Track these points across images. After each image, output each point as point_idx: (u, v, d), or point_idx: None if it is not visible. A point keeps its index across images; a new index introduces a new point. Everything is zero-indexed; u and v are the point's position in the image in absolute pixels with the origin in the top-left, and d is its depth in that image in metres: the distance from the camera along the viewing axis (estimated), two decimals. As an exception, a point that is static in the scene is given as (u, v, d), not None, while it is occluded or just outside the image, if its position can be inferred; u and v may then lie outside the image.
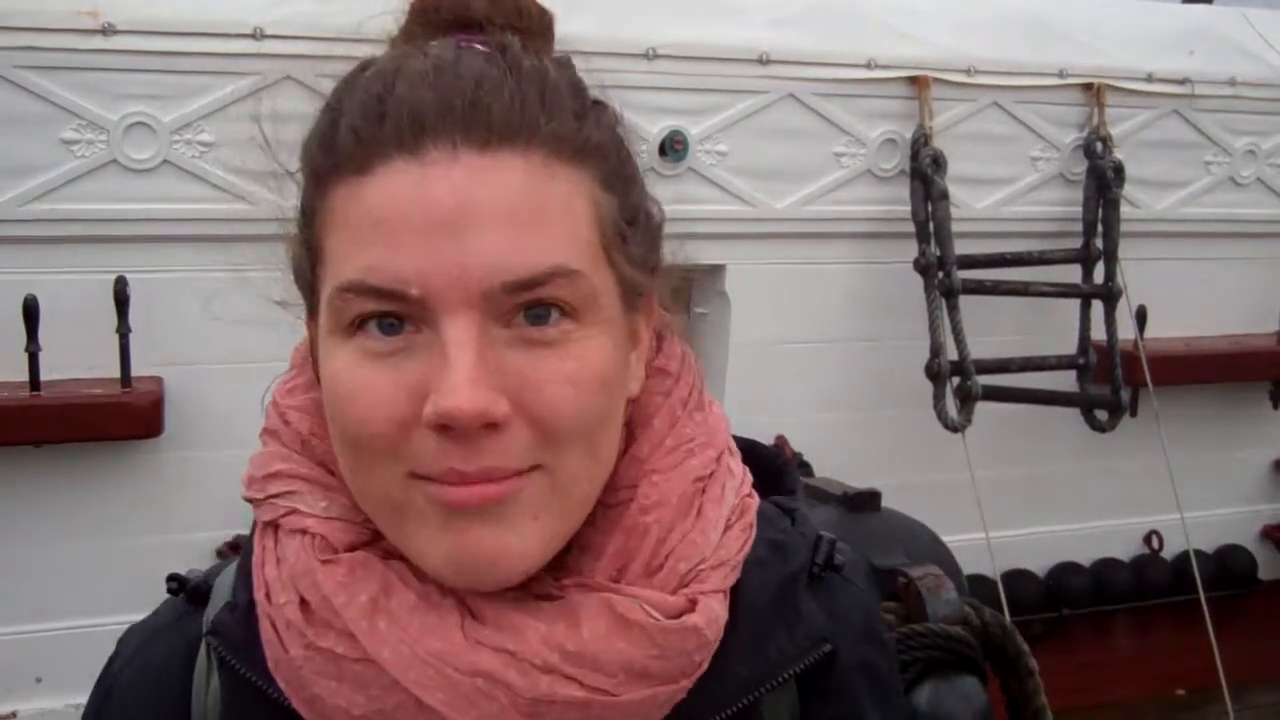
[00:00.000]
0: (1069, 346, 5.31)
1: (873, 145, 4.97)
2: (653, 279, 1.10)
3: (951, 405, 4.92)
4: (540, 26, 1.09)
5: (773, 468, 1.23)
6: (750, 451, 1.20)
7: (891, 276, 5.00)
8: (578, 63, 1.13)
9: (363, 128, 0.99)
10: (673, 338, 1.16)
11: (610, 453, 1.05)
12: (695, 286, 5.01)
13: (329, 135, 1.03)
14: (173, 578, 1.22)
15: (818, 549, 1.18)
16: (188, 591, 1.20)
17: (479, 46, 1.03)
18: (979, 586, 4.59)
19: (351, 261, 0.98)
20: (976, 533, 4.78)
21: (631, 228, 1.06)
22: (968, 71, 5.03)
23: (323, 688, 1.00)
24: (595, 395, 0.99)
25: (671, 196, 4.34)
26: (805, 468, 4.67)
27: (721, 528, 1.07)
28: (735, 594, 1.08)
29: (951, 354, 4.89)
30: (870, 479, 3.18)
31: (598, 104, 1.07)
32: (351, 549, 1.04)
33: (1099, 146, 5.23)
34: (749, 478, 1.14)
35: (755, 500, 1.13)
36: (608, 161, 1.04)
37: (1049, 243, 5.29)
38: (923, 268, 4.91)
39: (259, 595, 1.07)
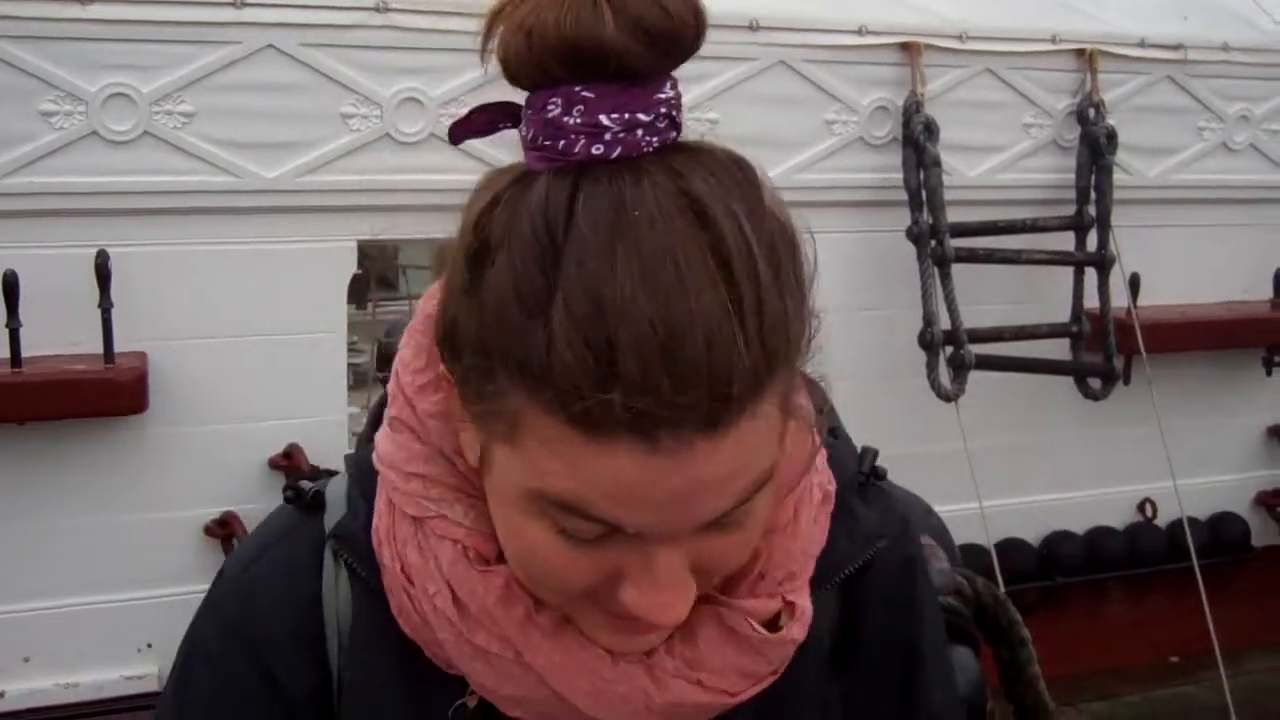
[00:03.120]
0: (1062, 315, 5.29)
1: (864, 113, 4.92)
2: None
3: (944, 374, 4.89)
4: (693, 45, 0.96)
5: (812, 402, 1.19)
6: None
7: (883, 245, 4.96)
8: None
9: (585, 389, 0.88)
10: None
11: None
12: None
13: (529, 346, 0.90)
14: (289, 486, 1.24)
15: (863, 460, 1.25)
16: (305, 500, 1.22)
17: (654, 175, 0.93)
18: (973, 556, 4.58)
19: (565, 486, 0.93)
20: (970, 502, 4.75)
21: (795, 393, 1.02)
22: (960, 38, 4.98)
23: (469, 667, 1.08)
24: (751, 545, 1.05)
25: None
26: (798, 439, 4.64)
27: (810, 526, 1.13)
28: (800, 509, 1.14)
29: (944, 323, 4.87)
30: (863, 449, 3.14)
31: (783, 233, 0.99)
32: (498, 559, 1.06)
33: (1092, 113, 5.19)
34: (823, 454, 1.16)
35: (834, 484, 1.17)
36: (804, 339, 0.98)
37: (1042, 210, 5.26)
38: (915, 236, 4.87)
39: (393, 566, 1.09)
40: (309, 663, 1.17)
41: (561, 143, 0.95)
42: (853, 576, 1.21)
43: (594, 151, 0.94)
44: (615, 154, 0.94)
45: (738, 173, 0.98)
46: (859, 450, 1.26)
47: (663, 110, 0.96)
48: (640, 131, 0.95)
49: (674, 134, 0.97)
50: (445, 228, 4.15)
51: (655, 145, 0.95)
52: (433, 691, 1.13)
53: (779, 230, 0.98)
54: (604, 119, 0.94)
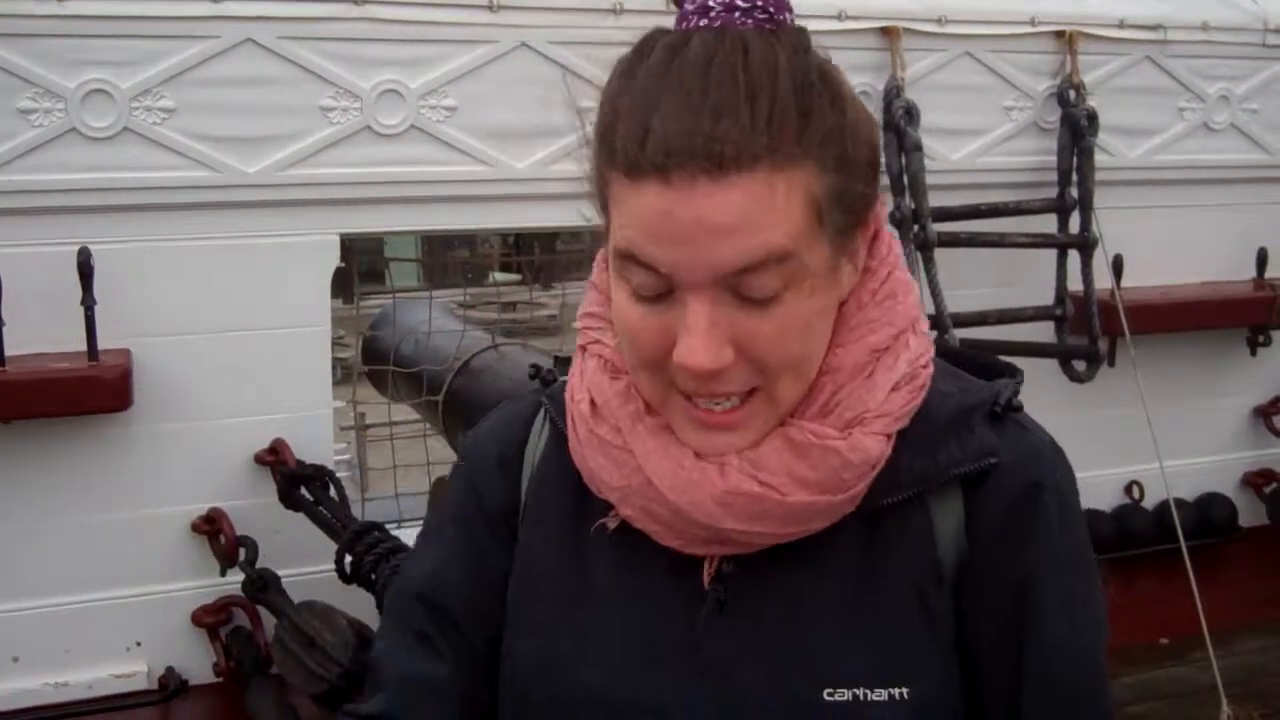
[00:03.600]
0: (1046, 298, 5.30)
1: (845, 98, 4.91)
2: (869, 202, 1.34)
3: (929, 358, 4.89)
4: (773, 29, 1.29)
5: (999, 369, 1.50)
6: (972, 361, 1.51)
7: (866, 230, 4.96)
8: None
9: (631, 149, 1.23)
10: (883, 233, 1.41)
11: (814, 367, 1.33)
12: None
13: (609, 135, 1.27)
14: (534, 365, 1.61)
15: (1000, 395, 1.41)
16: (542, 376, 1.58)
17: (725, 30, 1.26)
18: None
19: (625, 234, 1.26)
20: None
21: (848, 184, 1.29)
22: (939, 21, 4.98)
23: (594, 462, 1.39)
24: (796, 342, 1.29)
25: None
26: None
27: (888, 388, 1.34)
28: (918, 413, 1.36)
29: (928, 307, 4.87)
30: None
31: (824, 78, 1.29)
32: (626, 373, 1.39)
33: (1072, 95, 5.20)
34: (929, 353, 1.39)
35: (929, 369, 1.38)
36: (827, 148, 1.26)
37: (1024, 193, 5.26)
38: (897, 221, 4.87)
39: (568, 395, 1.46)
40: (506, 489, 1.53)
41: (684, 21, 1.29)
42: (969, 491, 1.37)
43: (699, 24, 1.27)
44: (715, 26, 1.27)
45: (794, 34, 1.30)
46: (1002, 388, 1.42)
47: (759, 2, 1.28)
48: (737, 14, 1.27)
49: (767, 21, 1.28)
50: (427, 219, 4.17)
51: (749, 25, 1.27)
52: (589, 518, 1.44)
53: (817, 65, 1.29)
54: (711, 2, 1.28)
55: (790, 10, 1.32)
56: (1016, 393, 1.42)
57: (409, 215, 4.48)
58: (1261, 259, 5.74)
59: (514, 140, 4.44)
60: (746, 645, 1.36)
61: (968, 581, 1.36)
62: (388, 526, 3.91)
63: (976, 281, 5.13)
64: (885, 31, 4.91)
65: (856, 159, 1.29)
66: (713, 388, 1.28)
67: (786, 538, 1.33)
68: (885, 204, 1.45)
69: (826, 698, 1.32)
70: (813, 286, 1.27)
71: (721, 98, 1.21)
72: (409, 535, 3.86)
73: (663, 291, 1.26)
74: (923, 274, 4.85)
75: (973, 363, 1.51)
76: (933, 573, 1.36)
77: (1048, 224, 5.25)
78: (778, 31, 1.28)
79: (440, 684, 1.49)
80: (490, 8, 4.31)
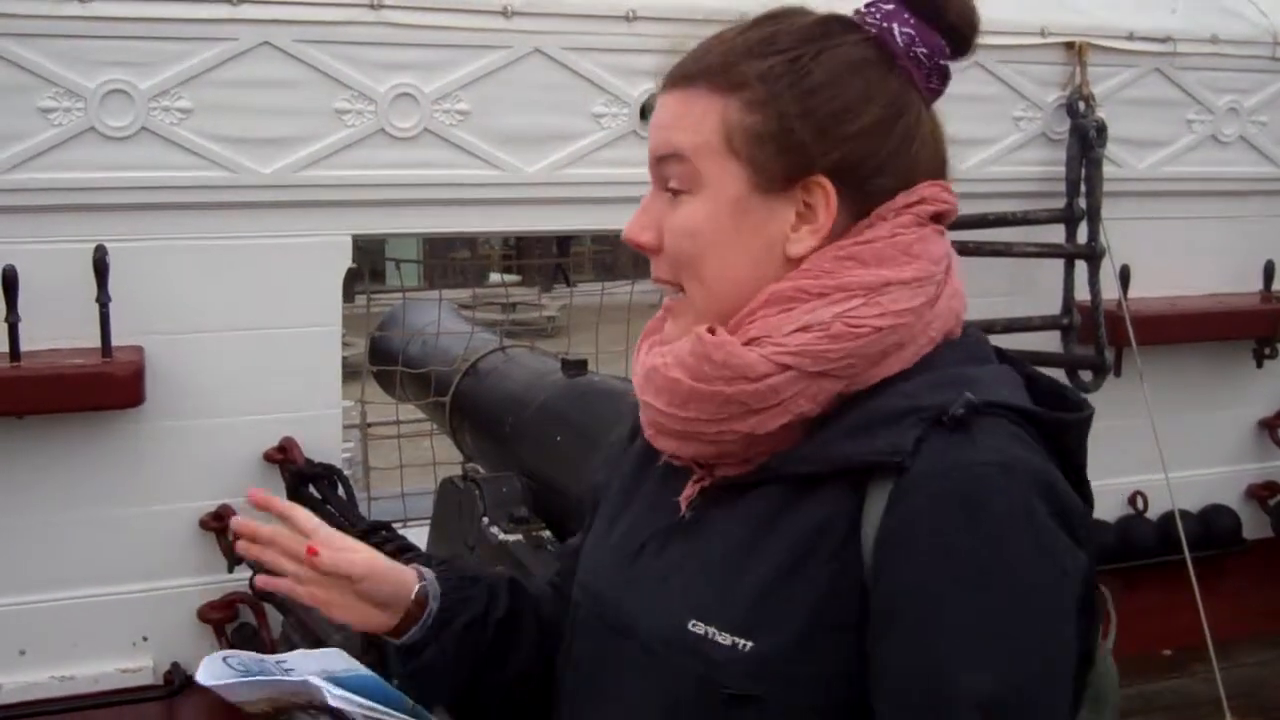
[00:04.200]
0: (1053, 307, 5.32)
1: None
2: (805, 164, 1.46)
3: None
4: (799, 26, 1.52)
5: (1051, 389, 1.54)
6: (1032, 379, 1.52)
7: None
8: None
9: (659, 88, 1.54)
10: (884, 223, 1.47)
11: (718, 284, 1.49)
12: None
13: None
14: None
15: (951, 405, 1.36)
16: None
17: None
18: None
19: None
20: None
21: (777, 134, 1.45)
22: (950, 31, 4.99)
23: (640, 398, 1.56)
24: (686, 239, 1.48)
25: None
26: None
27: (793, 328, 1.42)
28: (861, 404, 1.42)
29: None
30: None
31: (788, 59, 1.47)
32: None
33: (1081, 105, 5.22)
34: (877, 322, 1.41)
35: (871, 337, 1.41)
36: (751, 90, 1.45)
37: (1032, 203, 5.28)
38: (906, 229, 4.88)
39: None
40: (608, 468, 1.75)
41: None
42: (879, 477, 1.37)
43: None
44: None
45: (820, 27, 1.52)
46: (962, 403, 1.36)
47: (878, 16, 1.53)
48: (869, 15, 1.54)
49: (874, 27, 1.52)
50: (438, 221, 4.21)
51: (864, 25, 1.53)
52: (650, 470, 1.63)
53: (838, 60, 1.48)
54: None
55: (901, 37, 1.52)
56: (976, 409, 1.36)
57: (420, 217, 4.52)
58: (1269, 271, 5.75)
59: (525, 144, 4.47)
60: (668, 565, 1.51)
61: (872, 578, 1.35)
62: (394, 526, 3.93)
63: (984, 290, 5.14)
64: (897, 43, 4.92)
65: (801, 125, 1.45)
66: (653, 272, 1.54)
67: (705, 450, 1.49)
68: (925, 193, 1.50)
69: (689, 627, 1.42)
70: (712, 199, 1.47)
71: (707, 40, 1.54)
72: (415, 534, 3.90)
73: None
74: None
75: (1039, 385, 1.52)
76: (833, 555, 1.37)
77: (1055, 234, 5.27)
78: (850, 34, 1.51)
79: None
80: (505, 14, 4.34)
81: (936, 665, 1.28)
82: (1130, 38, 5.37)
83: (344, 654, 1.63)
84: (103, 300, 3.92)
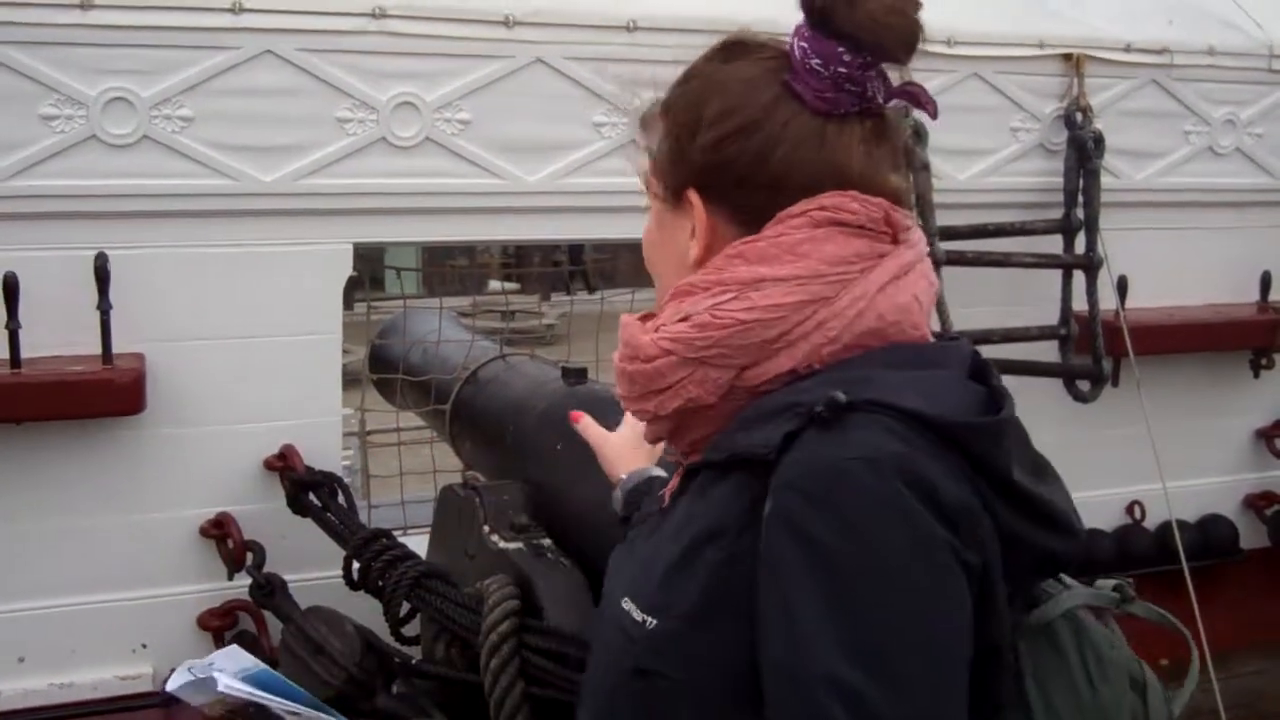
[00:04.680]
0: (1051, 317, 5.33)
1: (855, 117, 4.94)
2: (680, 185, 1.65)
3: (936, 376, 4.91)
4: (739, 51, 1.71)
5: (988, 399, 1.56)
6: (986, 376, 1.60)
7: (874, 249, 4.99)
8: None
9: None
10: (799, 219, 1.56)
11: (660, 282, 1.71)
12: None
13: None
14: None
15: (818, 403, 1.41)
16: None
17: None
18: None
19: None
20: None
21: (671, 155, 1.66)
22: (948, 43, 5.02)
23: None
24: (644, 245, 1.76)
25: (654, 169, 4.16)
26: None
27: (677, 317, 1.57)
28: (759, 401, 1.52)
29: (934, 326, 4.88)
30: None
31: (679, 92, 1.69)
32: None
33: (1079, 117, 5.24)
34: (749, 315, 1.52)
35: (723, 319, 1.53)
36: (668, 118, 1.68)
37: (1030, 213, 5.30)
38: (905, 239, 4.89)
39: None
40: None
41: None
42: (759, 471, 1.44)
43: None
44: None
45: (723, 51, 1.70)
46: (825, 401, 1.41)
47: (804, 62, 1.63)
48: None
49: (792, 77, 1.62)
50: (439, 230, 4.23)
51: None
52: None
53: (698, 88, 1.66)
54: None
55: (798, 50, 1.62)
56: (849, 406, 1.40)
57: (422, 226, 4.53)
58: (1265, 282, 5.77)
59: (527, 154, 4.49)
60: (638, 551, 1.65)
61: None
62: (394, 533, 3.94)
63: (982, 300, 5.16)
64: (897, 52, 4.94)
65: (675, 144, 1.65)
66: None
67: (650, 430, 1.67)
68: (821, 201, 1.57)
69: (622, 605, 1.54)
70: (652, 214, 1.72)
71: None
72: (415, 542, 3.90)
73: None
74: (929, 292, 4.88)
75: (992, 399, 1.56)
76: (728, 543, 1.45)
77: (1053, 244, 5.28)
78: (756, 53, 1.67)
79: None
80: (506, 24, 4.36)
81: (794, 647, 1.34)
82: (1128, 50, 5.39)
83: (240, 651, 1.88)
84: (104, 307, 3.93)
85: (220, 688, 1.71)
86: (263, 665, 1.85)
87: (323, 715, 1.82)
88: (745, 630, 1.39)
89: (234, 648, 1.92)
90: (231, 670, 1.77)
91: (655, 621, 1.47)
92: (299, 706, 1.77)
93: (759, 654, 1.38)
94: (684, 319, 1.55)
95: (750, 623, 1.39)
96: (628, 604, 1.52)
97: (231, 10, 4.02)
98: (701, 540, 1.47)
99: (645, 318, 1.67)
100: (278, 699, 1.76)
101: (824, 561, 1.34)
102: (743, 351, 1.52)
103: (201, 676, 1.76)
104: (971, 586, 1.38)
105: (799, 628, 1.33)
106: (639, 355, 1.58)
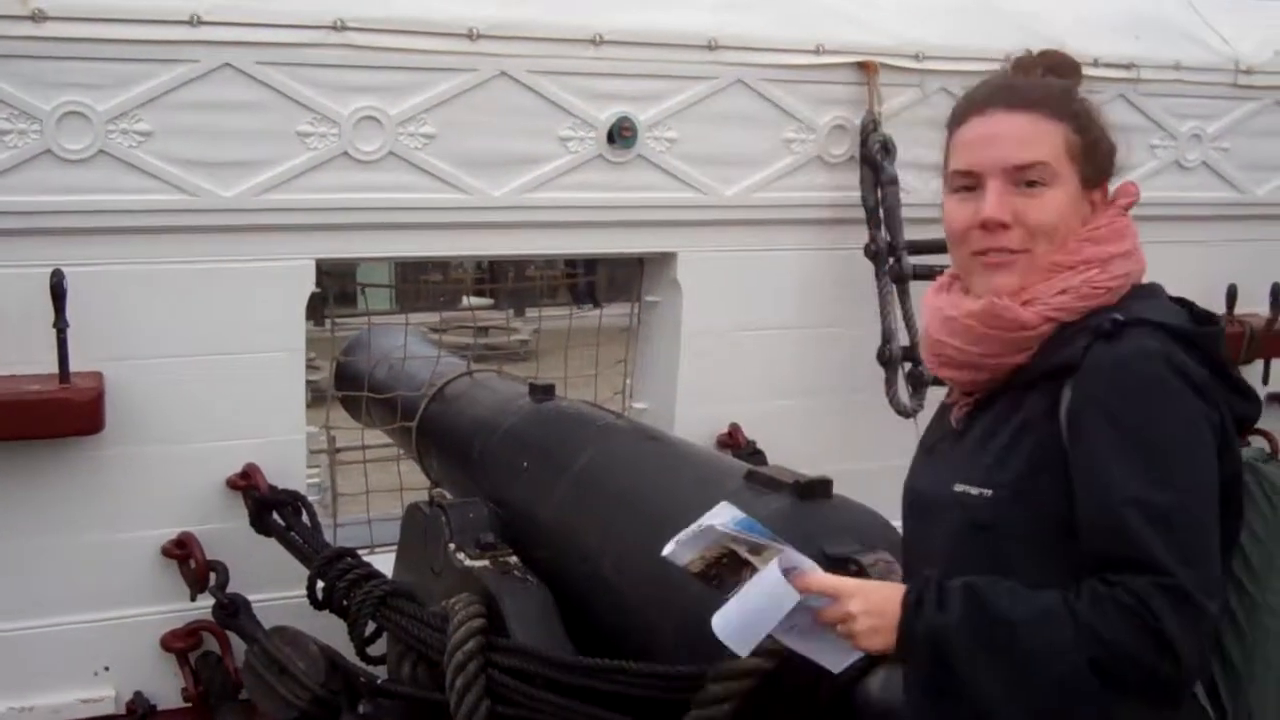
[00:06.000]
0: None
1: (822, 131, 4.94)
2: (1102, 178, 2.27)
3: (904, 391, 4.91)
4: (1065, 69, 2.31)
5: (1202, 316, 2.24)
6: (1190, 307, 2.25)
7: (843, 263, 4.98)
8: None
9: (962, 105, 2.28)
10: (1115, 205, 2.28)
11: (1061, 241, 2.18)
12: (646, 274, 4.98)
13: (952, 116, 2.29)
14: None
15: (1102, 324, 2.08)
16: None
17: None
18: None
19: (951, 158, 2.27)
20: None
21: (1088, 152, 2.22)
22: (916, 57, 5.02)
23: (928, 335, 2.36)
24: (1050, 217, 2.18)
25: (619, 184, 4.32)
26: (759, 456, 4.65)
27: (1055, 291, 2.15)
28: (1071, 330, 2.15)
29: (903, 339, 4.89)
30: (825, 465, 3.16)
31: (1081, 97, 2.26)
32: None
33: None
34: (1119, 284, 2.18)
35: (1104, 295, 2.16)
36: (1076, 120, 2.21)
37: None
38: (873, 254, 4.89)
39: None
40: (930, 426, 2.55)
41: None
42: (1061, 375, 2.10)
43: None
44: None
45: (1075, 85, 2.33)
46: (1106, 323, 2.08)
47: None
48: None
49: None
50: (404, 246, 4.17)
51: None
52: (946, 410, 2.41)
53: (1082, 99, 2.28)
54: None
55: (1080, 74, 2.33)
56: (1124, 324, 2.07)
57: (385, 241, 4.48)
58: (1231, 296, 5.77)
59: (492, 168, 4.45)
60: (945, 456, 2.31)
61: (1068, 442, 2.07)
62: (360, 552, 3.90)
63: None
64: (863, 66, 4.94)
65: (1097, 148, 2.23)
66: (1000, 240, 2.16)
67: (977, 377, 2.25)
68: (1131, 194, 2.30)
69: (954, 489, 2.18)
70: (1064, 190, 2.18)
71: (1016, 80, 2.28)
72: (382, 561, 3.86)
73: (973, 185, 2.19)
74: (897, 306, 4.87)
75: (1196, 314, 2.24)
76: (1042, 430, 2.11)
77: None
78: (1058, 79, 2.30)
79: None
80: (470, 36, 4.32)
81: (1106, 484, 1.98)
82: (1095, 64, 5.39)
83: (727, 505, 2.21)
84: (60, 325, 3.87)
85: (719, 527, 2.12)
86: (744, 515, 2.19)
87: (789, 548, 2.14)
88: (1060, 484, 2.04)
89: (722, 504, 2.21)
90: (722, 521, 2.14)
91: (991, 491, 2.11)
92: (769, 540, 2.13)
93: (1076, 495, 2.01)
94: (1061, 291, 2.14)
95: (1065, 479, 2.03)
96: (961, 487, 2.16)
97: (189, 23, 3.97)
98: (1019, 430, 2.12)
99: (951, 283, 2.31)
100: (757, 536, 2.13)
101: (1118, 422, 1.99)
102: (1089, 308, 2.15)
103: (702, 529, 2.14)
104: (1215, 436, 2.04)
105: (1107, 471, 1.97)
106: (1024, 326, 2.14)
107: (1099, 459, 1.98)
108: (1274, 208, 5.94)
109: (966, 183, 2.20)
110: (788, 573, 2.08)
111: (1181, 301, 2.26)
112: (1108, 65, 5.42)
